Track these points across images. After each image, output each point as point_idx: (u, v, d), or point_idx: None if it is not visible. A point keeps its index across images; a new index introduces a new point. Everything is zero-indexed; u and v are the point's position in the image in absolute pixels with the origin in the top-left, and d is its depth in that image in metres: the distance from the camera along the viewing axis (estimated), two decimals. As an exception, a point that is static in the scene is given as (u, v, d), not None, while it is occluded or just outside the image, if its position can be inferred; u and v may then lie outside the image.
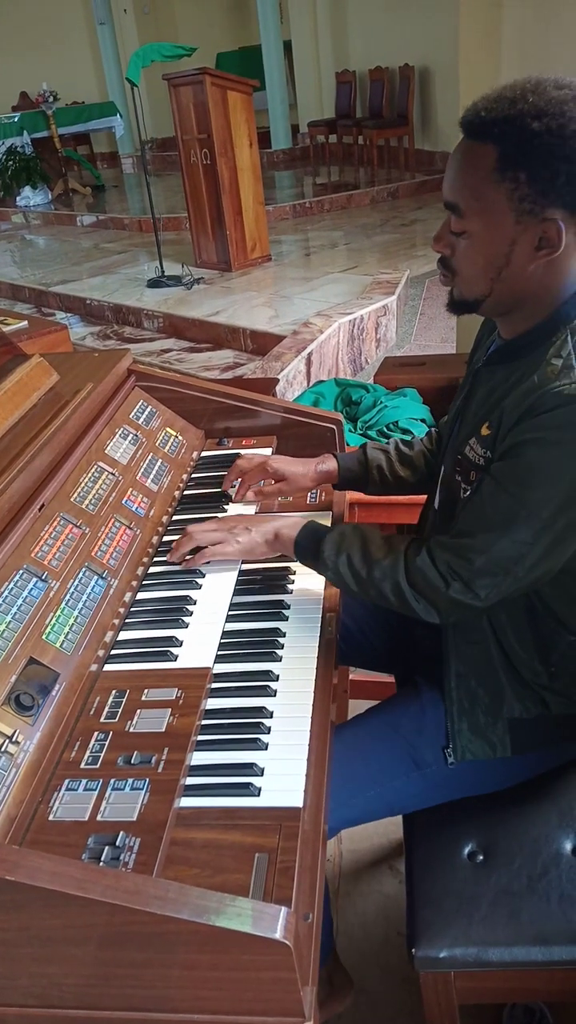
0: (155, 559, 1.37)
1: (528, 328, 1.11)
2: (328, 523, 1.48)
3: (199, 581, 1.31)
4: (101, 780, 0.94)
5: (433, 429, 1.52)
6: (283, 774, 0.97)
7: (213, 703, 1.09)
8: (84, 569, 1.20)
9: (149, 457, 1.54)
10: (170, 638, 1.18)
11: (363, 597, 1.19)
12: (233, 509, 1.49)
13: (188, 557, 1.33)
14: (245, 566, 1.35)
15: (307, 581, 1.32)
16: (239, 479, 1.51)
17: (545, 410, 1.01)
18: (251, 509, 1.51)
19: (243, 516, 1.36)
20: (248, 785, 0.95)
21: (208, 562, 1.32)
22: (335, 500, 1.54)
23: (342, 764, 1.21)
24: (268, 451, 1.68)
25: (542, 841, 1.22)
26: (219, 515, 1.46)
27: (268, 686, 1.11)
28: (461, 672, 1.22)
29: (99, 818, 0.89)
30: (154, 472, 1.52)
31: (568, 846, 1.21)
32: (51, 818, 0.90)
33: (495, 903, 1.15)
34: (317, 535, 1.23)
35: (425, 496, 1.42)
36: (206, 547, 1.31)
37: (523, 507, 1.03)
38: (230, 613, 1.26)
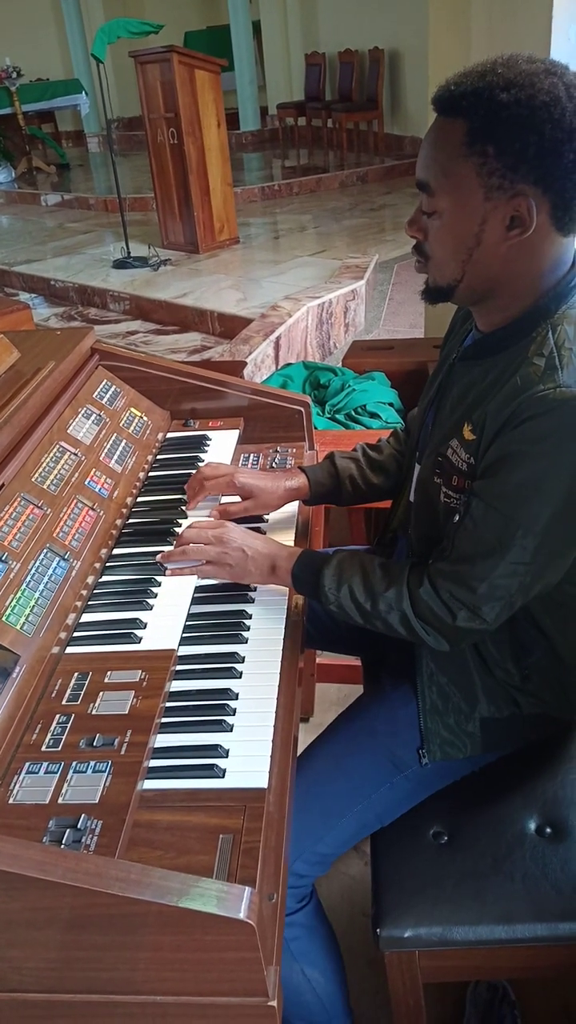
0: (120, 540, 1.35)
1: (505, 322, 1.07)
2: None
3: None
4: (62, 763, 0.92)
5: (399, 427, 1.49)
6: (248, 755, 0.97)
7: (178, 685, 1.08)
8: (45, 550, 1.18)
9: (113, 437, 1.51)
10: (134, 620, 1.16)
11: (368, 627, 1.16)
12: (192, 516, 1.42)
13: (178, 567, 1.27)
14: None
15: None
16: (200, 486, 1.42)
17: (528, 417, 0.97)
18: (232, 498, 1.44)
19: (242, 531, 1.26)
20: (213, 767, 0.95)
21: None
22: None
23: (325, 784, 1.20)
24: (235, 434, 1.66)
25: (506, 822, 1.22)
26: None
27: (234, 668, 1.11)
28: (433, 671, 1.21)
29: (60, 801, 0.88)
30: (118, 453, 1.49)
31: (532, 826, 1.22)
32: (11, 801, 0.89)
33: (460, 883, 1.16)
34: (315, 567, 1.18)
35: None
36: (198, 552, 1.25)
37: (517, 526, 1.00)
38: (195, 596, 1.25)
